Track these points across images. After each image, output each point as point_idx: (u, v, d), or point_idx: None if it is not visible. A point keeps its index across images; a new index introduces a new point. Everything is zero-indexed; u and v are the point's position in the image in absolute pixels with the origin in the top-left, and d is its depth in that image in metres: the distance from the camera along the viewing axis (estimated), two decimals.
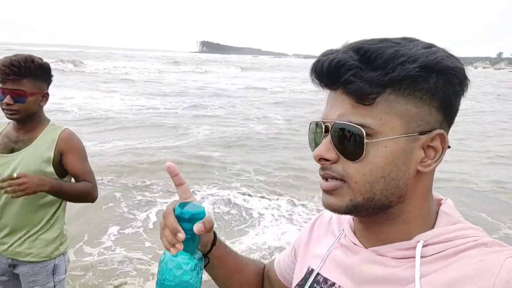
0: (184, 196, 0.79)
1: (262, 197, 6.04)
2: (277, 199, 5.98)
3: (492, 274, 0.55)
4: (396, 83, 0.59)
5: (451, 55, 0.62)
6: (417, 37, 0.64)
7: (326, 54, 0.63)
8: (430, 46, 0.62)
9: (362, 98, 0.59)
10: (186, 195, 0.79)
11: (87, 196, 1.96)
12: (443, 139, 0.62)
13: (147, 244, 4.41)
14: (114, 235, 4.60)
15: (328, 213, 0.84)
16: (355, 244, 0.70)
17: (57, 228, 2.02)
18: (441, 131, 0.62)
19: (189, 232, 0.71)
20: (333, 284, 0.71)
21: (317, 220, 0.87)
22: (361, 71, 0.59)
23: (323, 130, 0.64)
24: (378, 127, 0.60)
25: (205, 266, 0.81)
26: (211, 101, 17.16)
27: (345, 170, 0.62)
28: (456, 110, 0.65)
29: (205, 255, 0.81)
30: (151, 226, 4.87)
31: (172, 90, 20.49)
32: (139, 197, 5.73)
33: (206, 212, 0.74)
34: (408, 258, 0.62)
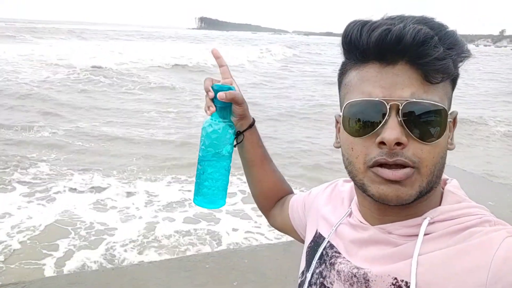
0: (224, 76, 0.90)
1: None
2: None
3: (491, 251, 0.54)
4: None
5: None
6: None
7: (382, 24, 0.55)
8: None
9: (433, 76, 0.55)
10: (226, 75, 0.90)
11: None
12: (456, 118, 0.63)
13: None
14: None
15: (342, 184, 0.82)
16: (362, 223, 0.69)
17: None
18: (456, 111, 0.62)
19: (219, 102, 0.83)
20: (339, 252, 0.70)
21: (335, 189, 0.84)
22: (446, 49, 0.54)
23: (388, 110, 0.55)
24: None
25: (240, 141, 0.92)
26: None
27: (416, 155, 0.55)
28: None
29: (241, 132, 0.91)
30: None
31: None
32: None
33: (237, 90, 0.86)
34: (415, 235, 0.60)
